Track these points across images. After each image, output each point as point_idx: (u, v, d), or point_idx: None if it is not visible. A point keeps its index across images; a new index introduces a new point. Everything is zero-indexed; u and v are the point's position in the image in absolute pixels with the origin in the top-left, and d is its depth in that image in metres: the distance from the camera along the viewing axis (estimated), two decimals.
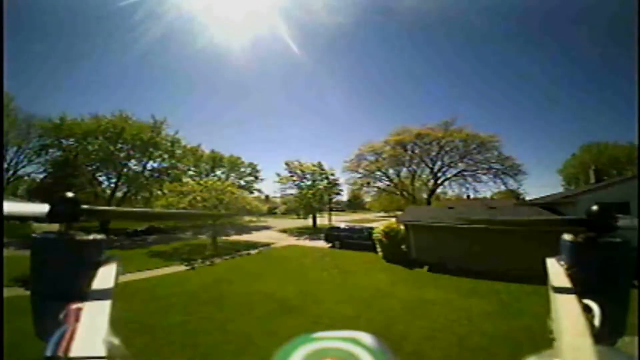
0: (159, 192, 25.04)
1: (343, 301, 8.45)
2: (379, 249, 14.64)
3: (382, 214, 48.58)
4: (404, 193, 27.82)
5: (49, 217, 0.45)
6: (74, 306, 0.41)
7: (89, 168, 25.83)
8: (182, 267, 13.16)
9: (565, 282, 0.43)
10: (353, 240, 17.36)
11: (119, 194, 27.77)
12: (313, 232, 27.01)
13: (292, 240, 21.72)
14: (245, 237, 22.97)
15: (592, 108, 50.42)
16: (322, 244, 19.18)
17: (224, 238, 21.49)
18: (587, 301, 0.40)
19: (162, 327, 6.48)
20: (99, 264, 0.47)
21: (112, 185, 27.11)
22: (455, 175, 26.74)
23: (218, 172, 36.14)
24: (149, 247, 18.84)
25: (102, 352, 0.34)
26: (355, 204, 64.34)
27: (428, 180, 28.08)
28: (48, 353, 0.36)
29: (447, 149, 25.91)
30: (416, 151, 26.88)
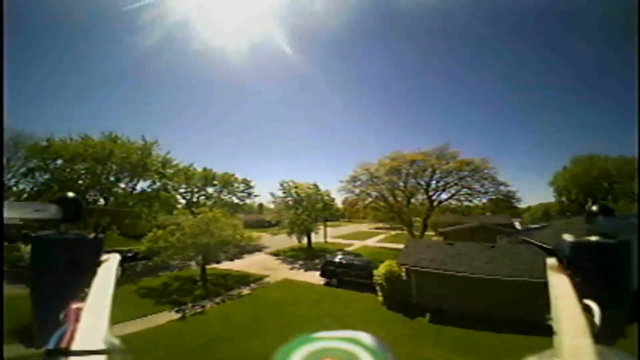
0: (148, 218, 24.03)
1: None
2: (379, 293, 14.20)
3: (378, 224, 48.14)
4: (401, 216, 27.63)
5: (51, 217, 0.44)
6: (74, 306, 0.40)
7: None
8: (173, 315, 12.40)
9: (565, 282, 0.42)
10: (351, 277, 16.85)
11: (106, 219, 26.52)
12: (307, 256, 26.43)
13: (286, 271, 21.04)
14: (237, 265, 22.14)
15: (585, 121, 52.10)
16: (317, 278, 18.53)
17: (214, 266, 20.70)
18: (587, 301, 0.40)
19: None
20: (99, 264, 0.46)
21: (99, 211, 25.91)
22: (450, 197, 26.91)
23: (210, 190, 35.25)
24: (138, 279, 17.86)
25: (102, 352, 0.34)
26: (350, 214, 63.91)
27: (422, 204, 28.10)
28: (48, 352, 0.36)
29: (442, 174, 26.11)
30: (410, 176, 26.87)
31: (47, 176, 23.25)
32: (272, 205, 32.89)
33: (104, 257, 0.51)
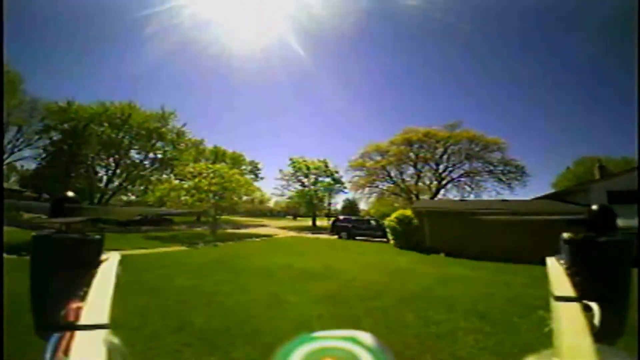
0: (159, 181, 23.86)
1: (367, 272, 7.86)
2: (390, 238, 14.11)
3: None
4: (408, 195, 27.46)
5: (51, 216, 0.45)
6: (74, 306, 0.40)
7: (89, 155, 24.68)
8: (184, 248, 12.22)
9: (565, 282, 0.42)
10: (362, 230, 16.76)
11: (115, 183, 26.43)
12: (314, 229, 26.20)
13: (294, 234, 20.88)
14: (243, 231, 21.99)
15: (588, 122, 52.56)
16: (327, 236, 18.47)
17: (221, 231, 20.53)
18: (587, 301, 0.40)
19: (170, 288, 5.53)
20: (99, 264, 0.46)
21: (110, 174, 25.82)
22: (459, 176, 26.70)
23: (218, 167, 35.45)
24: (144, 233, 17.64)
25: (102, 352, 0.34)
26: (350, 210, 63.51)
27: (431, 182, 27.98)
28: (48, 352, 0.36)
29: (453, 149, 25.92)
30: (422, 151, 26.65)
31: (61, 136, 23.28)
32: (274, 197, 32.62)
33: (104, 256, 0.51)
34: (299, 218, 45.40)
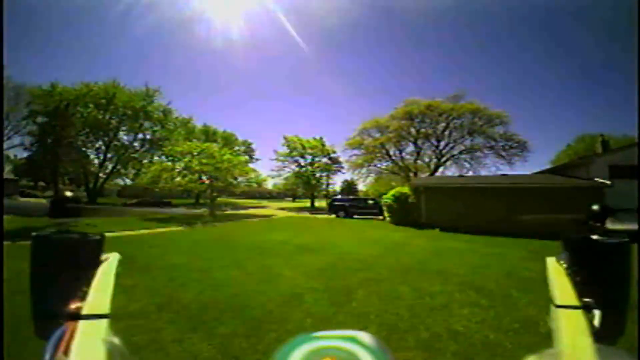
0: (151, 162, 23.48)
1: (362, 246, 7.81)
2: (387, 215, 14.10)
3: None
4: (407, 173, 27.09)
5: (49, 216, 0.46)
6: (74, 306, 0.41)
7: (73, 135, 23.99)
8: (181, 228, 12.17)
9: (565, 282, 0.43)
10: (359, 209, 16.77)
11: (108, 168, 26.03)
12: (312, 210, 26.30)
13: (293, 214, 20.92)
14: (242, 212, 22.02)
15: (590, 100, 51.19)
16: (324, 215, 18.51)
17: (220, 212, 20.53)
18: (587, 301, 0.41)
19: (162, 266, 5.40)
20: (99, 263, 0.47)
21: (101, 157, 25.41)
22: (460, 152, 26.01)
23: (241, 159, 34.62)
24: (141, 215, 17.60)
25: (102, 352, 0.35)
26: (349, 190, 63.79)
27: (431, 160, 27.54)
28: (48, 352, 0.37)
29: (455, 124, 25.00)
30: (424, 125, 25.53)
31: (46, 119, 22.54)
32: (271, 179, 31.78)
33: (104, 256, 0.49)
34: (297, 200, 45.55)
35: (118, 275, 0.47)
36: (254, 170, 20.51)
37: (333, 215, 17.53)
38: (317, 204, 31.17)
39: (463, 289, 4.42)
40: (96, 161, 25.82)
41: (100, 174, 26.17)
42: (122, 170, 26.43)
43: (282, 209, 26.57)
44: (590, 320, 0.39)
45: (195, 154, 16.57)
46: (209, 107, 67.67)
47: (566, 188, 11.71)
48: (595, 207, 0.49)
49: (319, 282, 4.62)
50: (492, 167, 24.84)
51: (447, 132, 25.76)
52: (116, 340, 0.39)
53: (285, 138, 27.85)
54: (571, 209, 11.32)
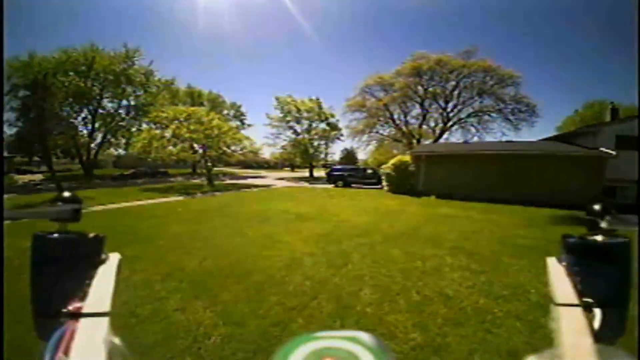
0: (139, 130, 22.81)
1: (360, 214, 8.01)
2: (384, 184, 14.24)
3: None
4: (410, 140, 25.86)
5: (50, 217, 0.46)
6: (75, 305, 0.41)
7: (63, 108, 22.96)
8: (182, 198, 12.30)
9: (566, 282, 0.44)
10: (357, 178, 16.87)
11: (98, 139, 25.31)
12: (311, 180, 26.41)
13: (291, 184, 21.09)
14: (241, 182, 22.13)
15: (599, 67, 48.35)
16: (323, 185, 18.69)
17: (219, 182, 20.58)
18: (587, 301, 0.41)
19: (165, 236, 5.50)
20: (99, 263, 0.47)
21: (89, 127, 24.58)
22: (468, 115, 24.84)
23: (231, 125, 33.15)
24: (139, 186, 17.67)
25: (102, 352, 0.36)
26: (348, 160, 63.41)
27: (436, 125, 26.46)
28: (48, 352, 0.37)
29: (465, 83, 23.49)
30: (432, 83, 23.81)
31: (28, 92, 21.31)
32: (271, 149, 30.49)
33: (104, 256, 0.49)
34: (296, 169, 45.48)
35: (119, 275, 0.47)
36: (247, 138, 19.89)
37: (332, 185, 17.70)
38: (316, 173, 31.13)
39: (454, 253, 4.63)
40: (85, 132, 25.04)
41: (92, 145, 25.59)
42: (113, 140, 25.77)
43: (281, 179, 26.67)
44: (590, 320, 0.40)
45: (182, 119, 15.77)
46: (192, 69, 62.75)
47: (570, 157, 11.63)
48: (595, 206, 0.48)
49: (317, 247, 4.82)
50: (498, 133, 24.24)
51: (456, 92, 24.18)
52: (117, 340, 0.40)
53: (277, 99, 25.59)
54: (573, 178, 11.55)
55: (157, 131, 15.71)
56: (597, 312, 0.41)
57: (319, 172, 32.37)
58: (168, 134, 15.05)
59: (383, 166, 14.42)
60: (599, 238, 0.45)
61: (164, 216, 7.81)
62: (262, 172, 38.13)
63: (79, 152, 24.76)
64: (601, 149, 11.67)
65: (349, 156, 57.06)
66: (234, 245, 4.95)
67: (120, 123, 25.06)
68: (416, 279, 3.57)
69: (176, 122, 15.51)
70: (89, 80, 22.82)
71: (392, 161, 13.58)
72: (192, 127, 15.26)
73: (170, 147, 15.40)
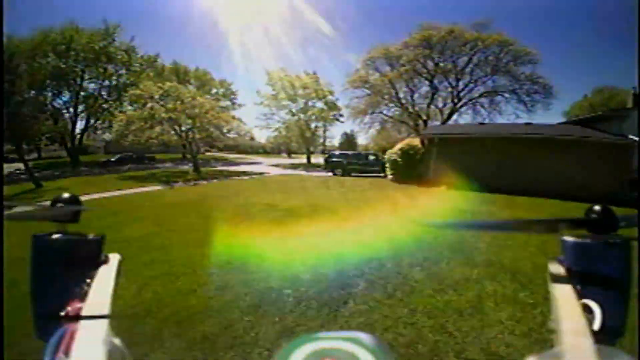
0: (122, 112, 21.22)
1: (360, 212, 6.70)
2: (388, 172, 12.83)
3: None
4: (416, 121, 23.52)
5: (50, 218, 0.46)
6: (74, 306, 0.42)
7: (44, 92, 21.41)
8: (159, 187, 10.98)
9: (566, 282, 0.44)
10: (358, 166, 15.43)
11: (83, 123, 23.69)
12: (308, 167, 24.94)
13: (287, 172, 19.69)
14: (232, 169, 20.72)
15: (607, 53, 45.23)
16: (321, 173, 17.31)
17: (208, 168, 19.18)
18: (587, 301, 0.41)
19: (109, 243, 4.37)
20: (99, 264, 0.47)
21: (72, 110, 22.96)
22: (480, 95, 22.80)
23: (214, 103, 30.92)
24: (121, 173, 16.29)
25: (103, 352, 0.36)
26: (348, 145, 61.08)
27: (445, 105, 24.23)
28: (48, 353, 0.37)
29: (479, 58, 21.41)
30: (443, 57, 21.61)
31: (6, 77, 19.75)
32: (266, 132, 27.81)
33: (104, 256, 0.48)
34: (293, 155, 43.66)
35: (119, 276, 0.45)
36: (234, 118, 18.06)
37: (330, 174, 16.29)
38: (314, 159, 29.52)
39: (492, 273, 3.37)
40: (67, 116, 23.32)
41: (78, 130, 24.01)
42: (99, 124, 24.11)
43: (276, 165, 25.19)
44: (590, 320, 0.39)
45: (156, 97, 13.96)
46: (176, 45, 58.27)
47: (602, 143, 10.23)
48: (594, 207, 0.46)
49: (307, 268, 3.51)
50: (511, 115, 22.37)
51: (468, 68, 22.05)
52: (117, 340, 0.38)
53: (268, 74, 22.80)
54: (601, 167, 10.26)
55: (136, 112, 13.97)
56: (597, 312, 0.40)
57: (318, 158, 30.83)
58: (145, 115, 13.33)
59: (388, 152, 12.94)
60: (599, 239, 0.44)
61: (127, 212, 6.53)
62: (258, 158, 36.50)
63: (63, 138, 23.23)
64: (630, 136, 10.31)
65: (348, 141, 54.72)
66: (190, 263, 3.65)
67: (104, 105, 23.33)
68: (453, 328, 2.32)
69: (151, 100, 13.69)
70: (69, 60, 21.21)
71: (399, 145, 12.08)
72: (170, 106, 13.48)
73: (149, 130, 13.76)
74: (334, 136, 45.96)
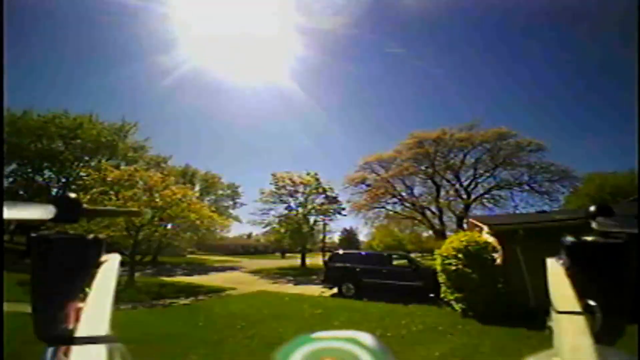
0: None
1: None
2: (449, 294, 6.81)
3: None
4: (425, 215, 20.71)
5: (52, 219, 0.46)
6: (74, 307, 0.42)
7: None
8: None
9: (565, 282, 0.44)
10: (381, 276, 9.23)
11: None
12: (301, 273, 18.37)
13: (266, 285, 13.04)
14: (187, 279, 14.11)
15: (591, 138, 48.09)
16: (316, 289, 10.88)
17: (149, 279, 12.90)
18: (587, 301, 0.41)
19: None
20: (99, 264, 0.47)
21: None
22: (485, 193, 20.79)
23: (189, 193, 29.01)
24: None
25: (102, 352, 0.35)
26: (348, 243, 53.63)
27: (450, 200, 21.59)
28: (48, 353, 0.37)
29: (479, 154, 20.69)
30: (438, 157, 21.11)
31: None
32: (260, 229, 25.17)
33: (104, 257, 0.49)
34: (288, 255, 36.66)
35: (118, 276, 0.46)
36: (213, 214, 14.03)
37: (333, 289, 9.93)
38: (311, 260, 23.44)
39: None
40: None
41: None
42: None
43: (258, 272, 18.57)
44: (590, 321, 0.39)
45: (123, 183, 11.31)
46: (193, 148, 62.93)
47: None
48: (593, 207, 0.47)
49: None
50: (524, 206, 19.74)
51: (466, 165, 21.21)
52: (116, 341, 0.39)
53: (274, 176, 21.99)
54: None
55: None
56: (597, 313, 0.40)
57: (316, 258, 24.59)
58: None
59: (436, 252, 7.47)
60: (599, 239, 0.43)
61: None
62: (243, 260, 29.50)
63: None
64: None
65: (349, 237, 48.20)
66: None
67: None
68: None
69: (118, 184, 11.41)
70: (70, 146, 21.19)
71: (456, 244, 6.70)
72: (127, 193, 10.65)
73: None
74: (334, 231, 40.63)
